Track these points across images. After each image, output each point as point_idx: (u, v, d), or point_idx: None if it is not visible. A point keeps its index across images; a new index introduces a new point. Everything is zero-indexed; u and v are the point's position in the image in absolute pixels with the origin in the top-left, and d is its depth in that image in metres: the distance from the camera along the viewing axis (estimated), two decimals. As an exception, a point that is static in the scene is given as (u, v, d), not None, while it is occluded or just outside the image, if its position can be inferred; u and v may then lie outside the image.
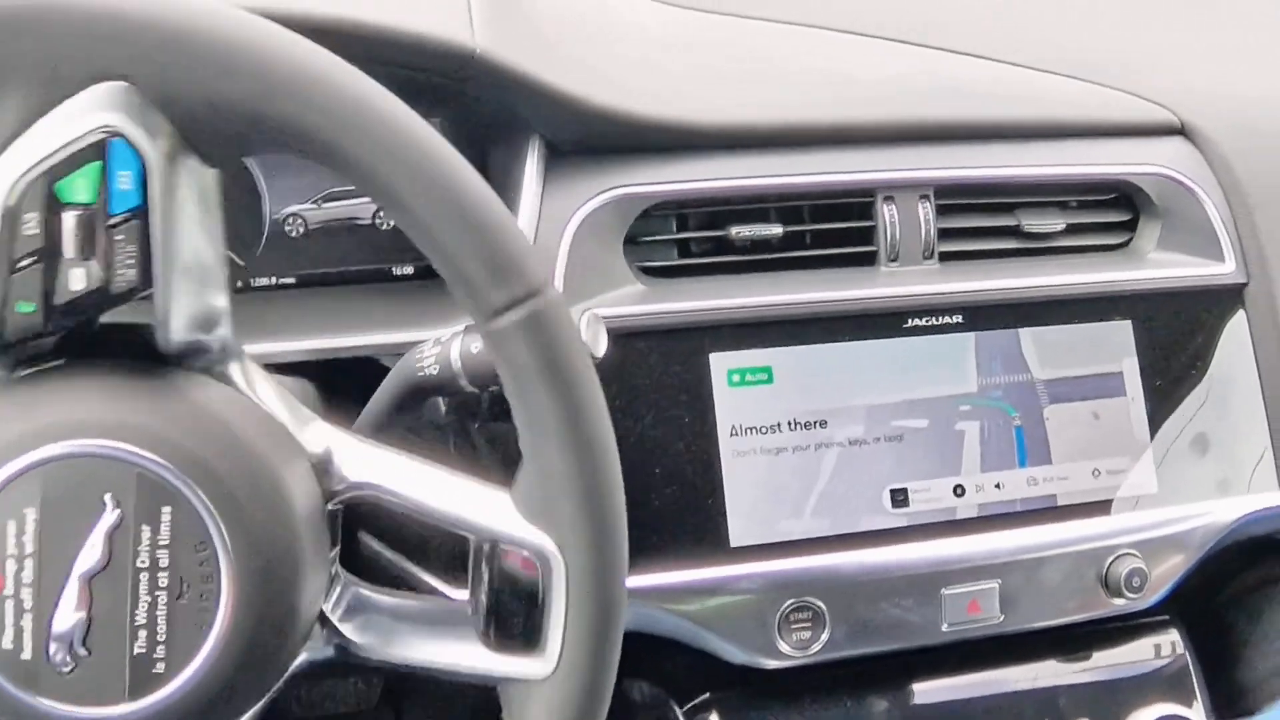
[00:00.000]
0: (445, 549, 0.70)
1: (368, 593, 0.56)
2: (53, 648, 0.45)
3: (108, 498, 0.45)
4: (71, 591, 0.45)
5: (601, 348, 0.59)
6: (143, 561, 0.46)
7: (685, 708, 0.75)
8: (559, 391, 0.49)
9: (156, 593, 0.46)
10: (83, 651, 0.45)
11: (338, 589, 0.55)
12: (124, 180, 0.46)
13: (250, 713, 0.52)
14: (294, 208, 0.77)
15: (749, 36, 0.84)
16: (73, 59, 0.45)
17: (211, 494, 0.46)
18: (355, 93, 0.48)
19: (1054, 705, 0.77)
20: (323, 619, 0.53)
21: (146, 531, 0.46)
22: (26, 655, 0.45)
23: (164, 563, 0.46)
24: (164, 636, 0.46)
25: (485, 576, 0.55)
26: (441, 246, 0.48)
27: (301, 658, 0.53)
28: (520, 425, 0.51)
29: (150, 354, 0.49)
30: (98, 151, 0.45)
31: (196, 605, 0.46)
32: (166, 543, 0.46)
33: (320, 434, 0.52)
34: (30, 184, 0.45)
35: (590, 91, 0.71)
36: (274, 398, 0.52)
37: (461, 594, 0.66)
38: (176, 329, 0.48)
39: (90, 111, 0.45)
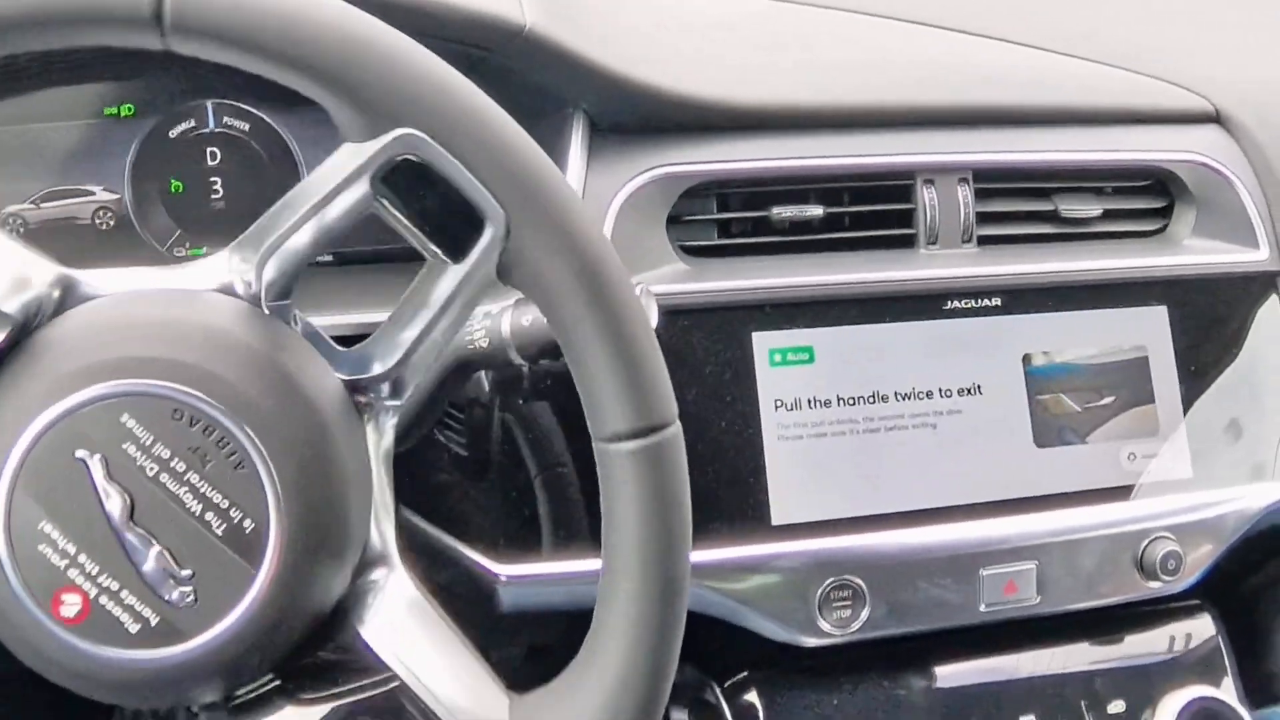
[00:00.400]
0: (485, 525, 0.71)
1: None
2: (163, 592, 0.46)
3: (79, 454, 0.45)
4: (131, 541, 0.45)
5: (654, 317, 0.59)
6: (152, 469, 0.46)
7: (725, 685, 0.75)
8: (661, 532, 0.50)
9: (186, 477, 0.46)
10: (186, 572, 0.46)
11: (335, 358, 0.53)
12: None
13: (383, 504, 0.53)
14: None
15: (790, 19, 0.84)
16: None
17: (145, 373, 0.46)
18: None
19: (1089, 687, 0.77)
20: (354, 386, 0.52)
21: (130, 446, 0.45)
22: (155, 619, 0.45)
23: (165, 453, 0.46)
24: (226, 501, 0.46)
25: (403, 222, 0.52)
26: (584, 362, 0.50)
27: (374, 436, 0.52)
28: (606, 546, 0.51)
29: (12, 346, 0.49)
30: None
31: (223, 457, 0.46)
32: (151, 438, 0.45)
33: (195, 272, 0.51)
34: None
35: (635, 70, 0.71)
36: (135, 277, 0.51)
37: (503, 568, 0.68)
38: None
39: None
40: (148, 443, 0.46)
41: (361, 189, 0.49)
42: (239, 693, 0.50)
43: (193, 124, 0.75)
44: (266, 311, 0.50)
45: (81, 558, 0.45)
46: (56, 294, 0.49)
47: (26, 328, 0.48)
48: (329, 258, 0.77)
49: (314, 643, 0.51)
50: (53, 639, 0.45)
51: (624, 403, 0.49)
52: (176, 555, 0.45)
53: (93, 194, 0.74)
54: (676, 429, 0.50)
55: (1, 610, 0.46)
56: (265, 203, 0.73)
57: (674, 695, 0.77)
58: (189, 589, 0.46)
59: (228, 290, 0.51)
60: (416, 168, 0.49)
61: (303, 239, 0.50)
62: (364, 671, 0.51)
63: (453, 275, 0.50)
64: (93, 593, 0.45)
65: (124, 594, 0.45)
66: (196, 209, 0.75)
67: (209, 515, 0.46)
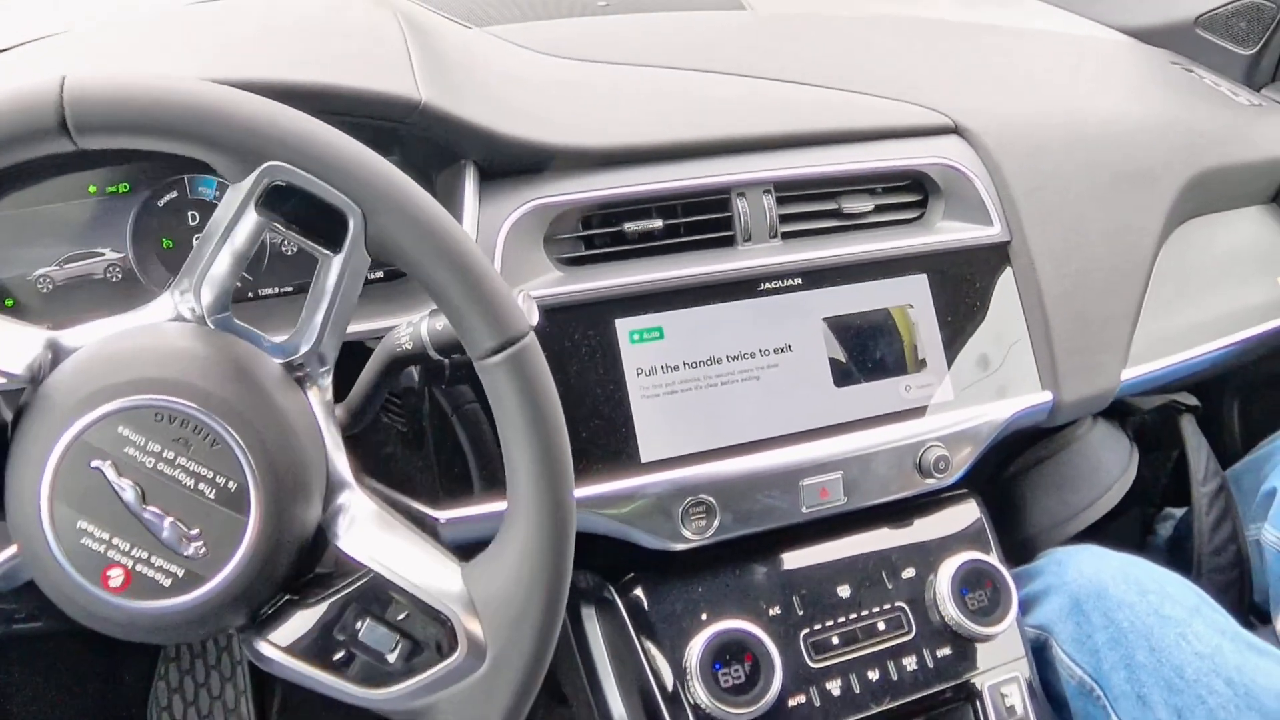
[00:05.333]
0: (426, 482, 0.76)
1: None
2: (183, 549, 0.50)
3: (94, 464, 0.49)
4: (150, 518, 0.50)
5: (534, 318, 0.65)
6: (150, 462, 0.50)
7: (617, 584, 0.81)
8: (533, 421, 0.54)
9: (177, 462, 0.50)
10: (194, 531, 0.50)
11: (264, 348, 0.56)
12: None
13: (333, 444, 0.56)
14: (285, 231, 0.82)
15: (626, 77, 0.90)
16: None
17: (124, 392, 0.50)
18: (383, 178, 0.53)
19: (889, 561, 0.85)
20: (288, 365, 0.56)
21: (130, 450, 0.50)
22: (181, 572, 0.50)
23: (157, 447, 0.50)
24: (211, 472, 0.50)
25: (288, 232, 0.55)
26: (450, 302, 0.54)
27: (315, 394, 0.56)
28: (504, 445, 0.55)
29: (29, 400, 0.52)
30: None
31: (202, 440, 0.50)
32: (144, 439, 0.50)
33: (151, 311, 0.56)
34: None
35: (511, 127, 0.77)
36: (105, 325, 0.55)
37: (442, 513, 0.73)
38: (11, 367, 0.52)
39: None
40: (142, 443, 0.50)
41: (252, 216, 0.53)
42: (260, 612, 0.55)
43: (176, 194, 0.79)
44: (211, 326, 0.55)
45: (115, 540, 0.50)
46: (50, 354, 0.53)
47: (35, 381, 0.53)
48: (290, 288, 0.82)
49: (307, 561, 0.55)
50: (108, 606, 0.50)
51: (485, 325, 0.53)
52: (185, 521, 0.50)
53: (103, 254, 0.77)
54: (531, 338, 0.54)
55: (65, 593, 0.50)
56: None
57: (580, 595, 0.86)
58: (200, 544, 0.50)
59: (179, 319, 0.55)
60: (286, 189, 0.53)
61: (222, 266, 0.54)
62: (351, 573, 0.55)
63: (337, 264, 0.54)
64: (130, 564, 0.50)
65: (153, 559, 0.50)
66: (184, 260, 0.80)
67: (202, 485, 0.50)
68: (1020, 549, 1.00)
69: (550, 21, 1.02)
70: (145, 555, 0.50)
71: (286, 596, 0.55)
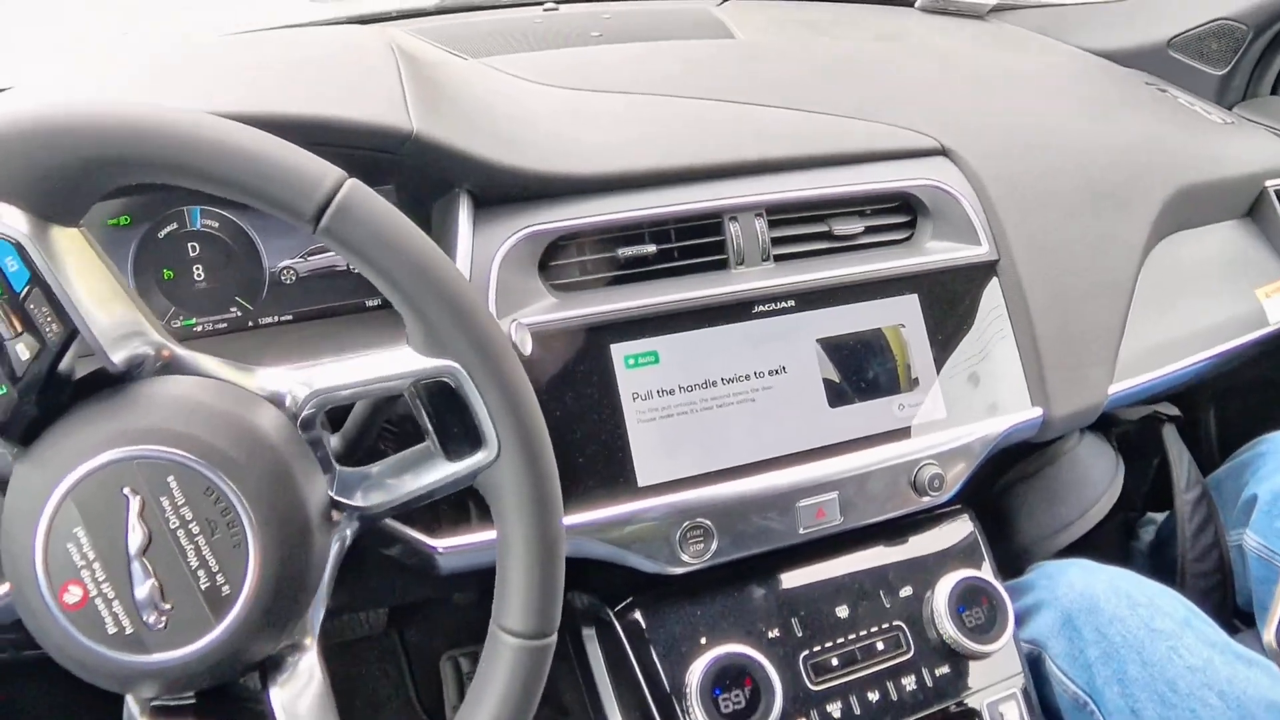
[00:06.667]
0: (423, 511, 0.71)
1: (349, 471, 0.57)
2: (144, 615, 0.48)
3: (126, 491, 0.47)
4: (137, 569, 0.47)
5: (527, 347, 0.62)
6: (174, 523, 0.48)
7: (616, 609, 0.78)
8: (394, 249, 0.50)
9: (195, 539, 0.48)
10: (166, 606, 0.48)
11: (333, 478, 0.56)
12: (11, 264, 0.47)
13: (319, 595, 0.54)
14: (286, 261, 0.79)
15: (618, 105, 0.87)
16: None
17: (197, 451, 0.48)
18: (139, 114, 0.47)
19: (885, 580, 0.82)
20: (336, 504, 0.55)
21: (165, 501, 0.48)
22: (130, 630, 0.48)
23: (189, 516, 0.48)
24: (217, 567, 0.48)
25: (426, 420, 0.55)
26: (258, 193, 0.48)
27: (336, 545, 0.54)
28: (385, 291, 0.51)
29: (112, 383, 0.50)
30: None
31: (228, 535, 0.48)
32: (183, 501, 0.48)
33: (260, 378, 0.54)
34: None
35: (503, 156, 0.74)
36: (217, 368, 0.53)
37: (439, 542, 0.70)
38: (114, 354, 0.49)
39: None
40: (179, 503, 0.48)
41: (406, 384, 0.53)
42: (163, 699, 0.52)
43: (176, 225, 0.76)
44: (299, 430, 0.53)
45: (95, 565, 0.47)
46: (160, 360, 0.51)
47: (128, 375, 0.50)
48: (289, 317, 0.79)
49: (237, 680, 0.53)
50: (51, 616, 0.47)
51: (293, 197, 0.48)
52: (165, 590, 0.48)
53: None
54: (351, 185, 0.49)
55: (20, 581, 0.47)
56: (236, 281, 0.72)
57: (580, 617, 0.82)
58: (164, 619, 0.48)
59: (278, 400, 0.53)
60: (447, 387, 0.52)
61: (345, 393, 0.54)
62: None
63: (443, 471, 0.54)
64: (93, 593, 0.47)
65: (115, 603, 0.47)
66: (185, 290, 0.76)
67: (200, 571, 0.48)
68: (1011, 561, 0.97)
69: (544, 52, 0.99)
70: (110, 594, 0.47)
71: (192, 700, 0.53)
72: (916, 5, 1.31)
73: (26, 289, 0.47)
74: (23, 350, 0.47)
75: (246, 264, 0.78)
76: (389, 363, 0.53)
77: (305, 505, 0.51)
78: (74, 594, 0.47)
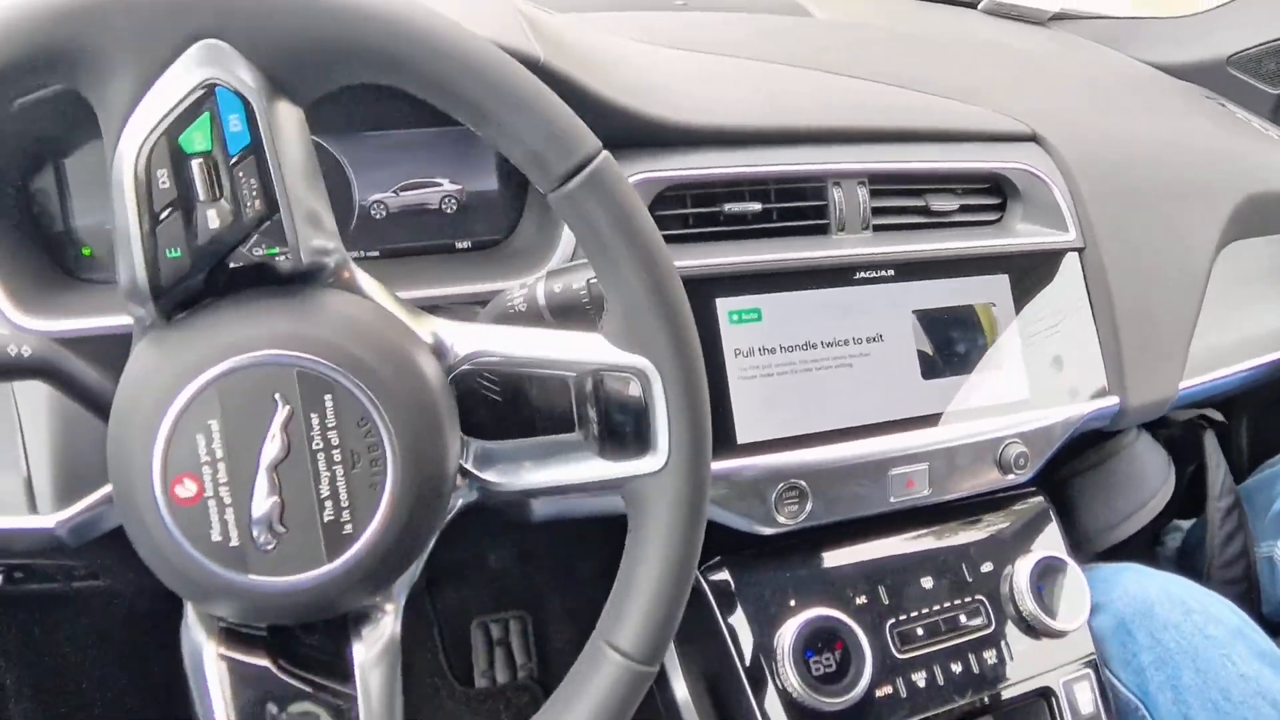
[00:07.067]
0: (539, 417, 0.68)
1: (491, 445, 0.54)
2: (255, 531, 0.43)
3: (277, 396, 0.43)
4: (262, 482, 0.43)
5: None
6: (317, 444, 0.44)
7: (701, 568, 0.76)
8: (629, 234, 0.47)
9: (334, 467, 0.44)
10: (281, 529, 0.44)
11: (468, 447, 0.53)
12: (234, 123, 0.43)
13: (421, 559, 0.50)
14: (377, 195, 0.76)
15: (720, 66, 0.85)
16: (166, 28, 0.41)
17: (363, 377, 0.44)
18: (417, 17, 0.44)
19: (967, 554, 0.80)
20: (462, 471, 0.51)
21: (315, 419, 0.44)
22: (235, 542, 0.43)
23: (335, 441, 0.44)
24: (347, 503, 0.44)
25: (590, 410, 0.53)
26: (512, 135, 0.46)
27: (457, 503, 0.51)
28: (601, 272, 0.49)
29: (279, 280, 0.46)
30: (206, 103, 0.42)
31: (368, 472, 0.44)
32: (334, 424, 0.44)
33: (429, 323, 0.50)
34: (155, 144, 0.42)
35: (622, 99, 0.71)
36: (388, 299, 0.50)
37: (568, 434, 0.65)
38: (304, 249, 0.45)
39: (192, 70, 0.42)
40: (330, 425, 0.44)
41: (588, 370, 0.50)
42: (234, 623, 0.48)
43: None
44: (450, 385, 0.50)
45: (221, 464, 0.43)
46: (339, 272, 0.48)
47: (303, 277, 0.46)
48: (376, 253, 0.76)
49: (319, 624, 0.49)
50: (154, 506, 0.43)
51: (552, 151, 0.46)
52: (285, 512, 0.44)
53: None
54: (606, 157, 0.47)
55: (127, 461, 0.43)
56: None
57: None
58: (274, 542, 0.44)
59: (440, 349, 0.50)
60: (623, 382, 0.49)
61: (515, 359, 0.51)
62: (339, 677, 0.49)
63: (595, 469, 0.50)
64: (208, 492, 0.43)
65: (228, 511, 0.43)
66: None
67: (328, 502, 0.44)
68: (1081, 545, 0.97)
69: (634, 12, 0.96)
70: (226, 500, 0.43)
71: (263, 634, 0.49)
72: (980, 7, 1.30)
73: (240, 155, 0.43)
74: (213, 218, 0.43)
75: (337, 195, 0.74)
76: (579, 346, 0.50)
77: (446, 462, 0.48)
78: (188, 488, 0.43)
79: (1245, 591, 1.05)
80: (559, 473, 0.52)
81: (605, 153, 0.47)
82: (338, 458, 0.44)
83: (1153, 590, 0.83)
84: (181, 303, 0.45)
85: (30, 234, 0.67)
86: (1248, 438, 1.28)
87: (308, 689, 0.48)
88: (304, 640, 0.51)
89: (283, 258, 0.46)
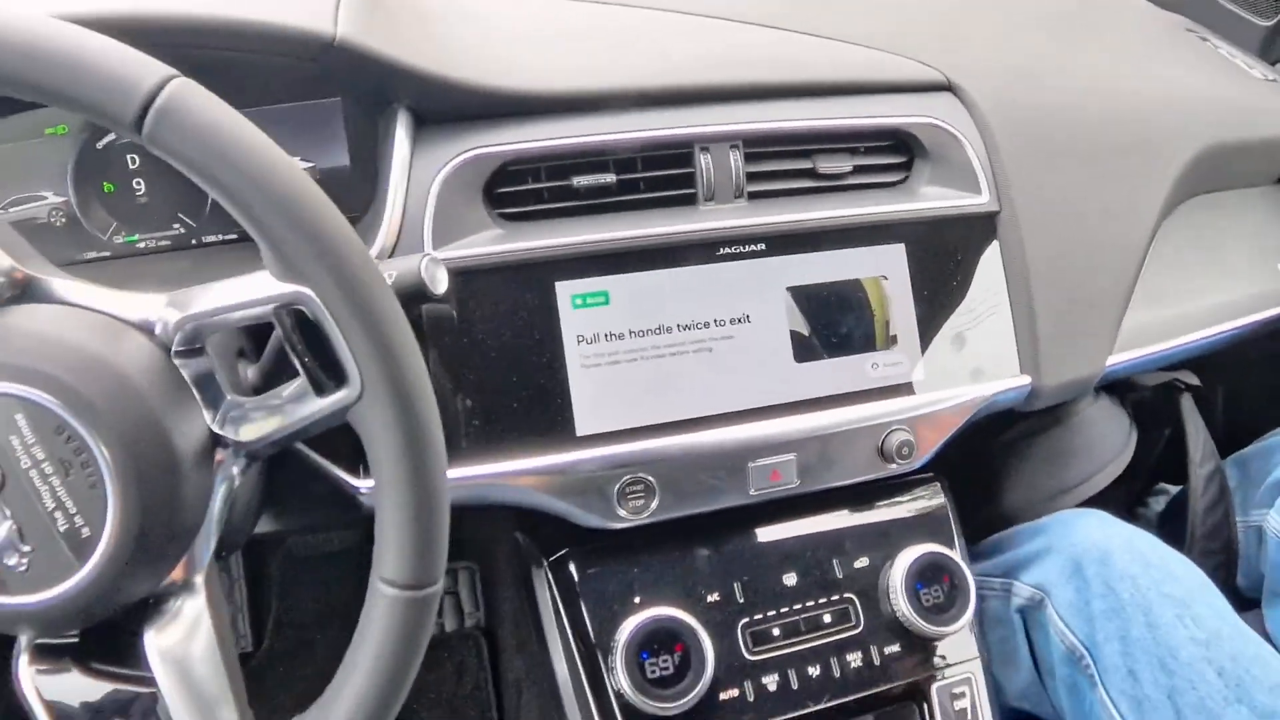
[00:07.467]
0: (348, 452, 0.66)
1: (240, 400, 0.51)
2: (4, 557, 0.45)
3: None
4: None
5: (441, 285, 0.55)
6: (25, 463, 0.44)
7: (549, 560, 0.73)
8: (228, 155, 0.43)
9: (49, 480, 0.44)
10: (26, 548, 0.45)
11: (218, 412, 0.50)
12: None
13: (212, 529, 0.50)
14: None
15: (579, 15, 0.78)
16: None
17: (46, 387, 0.44)
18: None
19: (841, 548, 0.75)
20: (219, 441, 0.50)
21: (15, 440, 0.44)
22: None
23: (41, 455, 0.44)
24: (75, 509, 0.45)
25: (294, 357, 0.50)
26: (66, 96, 0.42)
27: (224, 482, 0.50)
28: (227, 206, 0.45)
29: None
30: None
31: (83, 475, 0.44)
32: (34, 440, 0.44)
33: (130, 304, 0.49)
34: None
35: (447, 69, 0.66)
36: (80, 295, 0.48)
37: (363, 482, 0.64)
38: None
39: None
40: (30, 442, 0.44)
41: (267, 309, 0.47)
42: (43, 638, 0.49)
43: (114, 136, 0.70)
44: (172, 357, 0.48)
45: None
46: (13, 287, 0.47)
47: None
48: (234, 235, 0.72)
49: (115, 619, 0.49)
50: None
51: (110, 97, 0.42)
52: (24, 532, 0.45)
53: (45, 198, 0.70)
54: (178, 83, 0.43)
55: None
56: (177, 196, 0.69)
57: (528, 558, 0.75)
58: (25, 561, 0.45)
59: (147, 326, 0.48)
60: (305, 316, 0.46)
61: (214, 320, 0.48)
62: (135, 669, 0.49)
63: (313, 406, 0.48)
64: None
65: None
66: (126, 204, 0.71)
67: (57, 514, 0.45)
68: (1003, 521, 0.90)
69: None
70: None
71: (74, 641, 0.49)
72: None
73: None
74: None
75: (188, 179, 0.70)
76: (246, 287, 0.47)
77: (170, 443, 0.46)
78: None
79: (1224, 562, 0.98)
80: (285, 418, 0.50)
81: (177, 80, 0.42)
82: (50, 470, 0.45)
83: (1115, 539, 0.78)
84: None
85: None
86: (1224, 403, 1.18)
87: (117, 684, 0.49)
88: (119, 635, 0.51)
89: None
